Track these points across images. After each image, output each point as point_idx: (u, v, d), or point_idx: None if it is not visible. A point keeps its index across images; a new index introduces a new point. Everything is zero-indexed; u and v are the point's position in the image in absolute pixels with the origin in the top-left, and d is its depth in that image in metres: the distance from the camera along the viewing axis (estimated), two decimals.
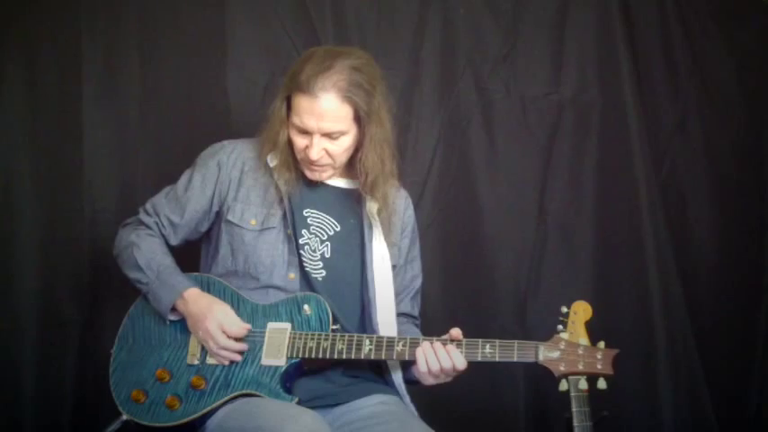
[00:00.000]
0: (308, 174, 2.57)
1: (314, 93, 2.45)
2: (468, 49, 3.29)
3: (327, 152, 2.52)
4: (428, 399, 2.65)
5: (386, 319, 2.57)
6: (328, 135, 2.49)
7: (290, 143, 2.54)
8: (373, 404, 2.50)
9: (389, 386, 2.58)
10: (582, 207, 3.31)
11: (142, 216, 2.66)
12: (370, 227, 2.62)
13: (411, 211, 2.77)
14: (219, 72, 3.11)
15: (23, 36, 2.99)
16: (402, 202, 2.73)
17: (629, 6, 3.34)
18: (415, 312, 2.74)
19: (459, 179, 3.28)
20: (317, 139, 2.49)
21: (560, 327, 2.41)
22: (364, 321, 2.59)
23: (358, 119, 2.51)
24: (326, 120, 2.47)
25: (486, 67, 3.29)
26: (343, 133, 2.51)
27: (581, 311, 2.42)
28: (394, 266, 2.65)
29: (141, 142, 3.08)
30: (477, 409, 3.09)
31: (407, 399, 2.57)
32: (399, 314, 2.65)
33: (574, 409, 2.36)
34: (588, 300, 2.44)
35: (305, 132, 2.50)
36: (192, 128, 3.08)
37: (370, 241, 2.61)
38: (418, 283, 2.76)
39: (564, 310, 2.42)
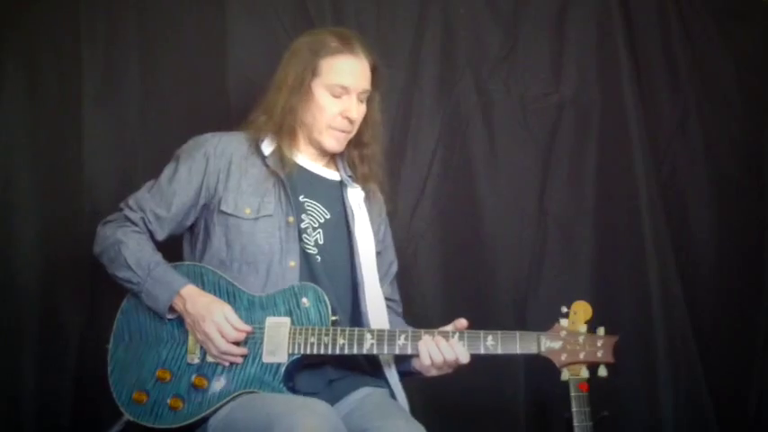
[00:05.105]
0: (331, 143, 2.60)
1: (356, 53, 2.58)
2: (469, 49, 3.29)
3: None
4: (427, 395, 2.65)
5: (375, 303, 2.58)
6: (361, 98, 2.59)
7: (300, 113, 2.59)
8: (360, 397, 2.50)
9: (379, 378, 2.57)
10: (582, 207, 3.31)
11: (127, 212, 2.58)
12: (353, 215, 2.64)
13: (380, 195, 2.78)
14: (219, 72, 3.11)
15: (23, 36, 3.00)
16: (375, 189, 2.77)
17: (629, 6, 3.34)
18: (396, 296, 2.76)
19: (459, 179, 3.27)
20: (355, 97, 2.57)
21: None
22: (354, 305, 2.59)
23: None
24: (366, 79, 2.59)
25: (486, 67, 3.29)
26: (368, 97, 2.62)
27: (581, 311, 2.43)
28: (379, 253, 2.68)
29: (141, 142, 3.08)
30: (476, 406, 3.09)
31: (402, 395, 2.56)
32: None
33: (574, 410, 2.37)
34: (588, 300, 2.44)
35: (340, 96, 2.56)
36: (192, 128, 3.05)
37: (354, 228, 2.63)
38: (395, 268, 2.78)
39: (564, 310, 2.43)
